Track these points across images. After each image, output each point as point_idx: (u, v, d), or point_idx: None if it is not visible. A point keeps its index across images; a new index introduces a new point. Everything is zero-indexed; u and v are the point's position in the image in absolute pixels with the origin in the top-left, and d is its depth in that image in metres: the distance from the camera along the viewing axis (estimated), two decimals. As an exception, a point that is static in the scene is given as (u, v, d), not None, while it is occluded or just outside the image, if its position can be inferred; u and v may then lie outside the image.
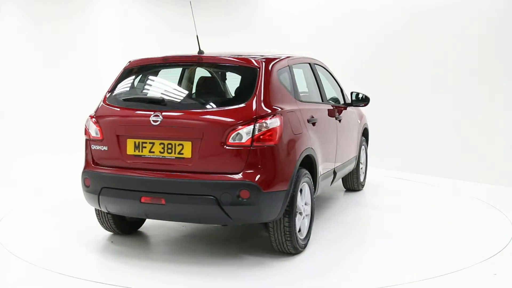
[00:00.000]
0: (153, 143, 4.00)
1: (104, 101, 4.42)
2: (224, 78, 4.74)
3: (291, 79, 4.61)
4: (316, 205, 6.01)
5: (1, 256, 4.35)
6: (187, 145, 3.92)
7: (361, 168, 6.73)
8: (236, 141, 3.84)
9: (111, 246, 4.60)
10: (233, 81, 4.59)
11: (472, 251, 4.50)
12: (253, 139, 3.84)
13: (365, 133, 6.86)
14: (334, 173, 5.36)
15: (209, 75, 4.79)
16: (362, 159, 6.75)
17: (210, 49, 4.81)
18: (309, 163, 4.53)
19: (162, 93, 4.40)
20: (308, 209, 4.49)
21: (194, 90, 4.60)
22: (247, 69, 4.19)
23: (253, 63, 4.19)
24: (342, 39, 9.45)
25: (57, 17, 11.13)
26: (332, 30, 9.59)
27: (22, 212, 5.76)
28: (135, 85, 4.50)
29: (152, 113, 4.01)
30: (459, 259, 4.30)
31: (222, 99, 4.20)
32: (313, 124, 4.65)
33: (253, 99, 3.97)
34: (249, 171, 3.83)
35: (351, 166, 6.21)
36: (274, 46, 9.12)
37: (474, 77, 7.80)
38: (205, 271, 4.01)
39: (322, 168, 4.85)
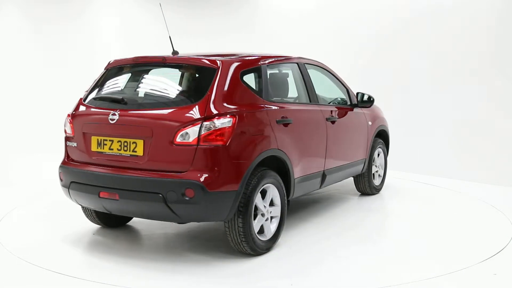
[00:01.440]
0: (112, 141, 4.19)
1: (80, 100, 4.64)
2: (188, 79, 4.73)
3: (261, 80, 4.60)
4: (319, 207, 6.00)
5: (1, 256, 4.35)
6: (140, 143, 4.06)
7: (376, 172, 6.54)
8: (184, 141, 3.91)
9: (114, 246, 4.61)
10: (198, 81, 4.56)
11: (472, 251, 4.50)
12: (199, 138, 3.89)
13: (382, 136, 6.68)
14: (324, 175, 5.28)
15: (178, 75, 4.83)
16: (378, 162, 6.55)
17: (210, 49, 4.81)
18: (282, 165, 4.55)
19: (124, 93, 4.51)
20: (276, 210, 4.46)
21: (155, 90, 4.58)
22: (205, 69, 4.25)
23: (211, 64, 4.24)
24: (342, 39, 9.46)
25: (57, 17, 11.15)
26: (332, 30, 9.60)
27: (22, 212, 5.75)
28: (107, 85, 4.65)
29: (111, 111, 4.17)
30: (459, 259, 4.30)
31: (177, 99, 4.22)
32: (285, 125, 4.61)
33: (205, 99, 4.02)
34: (195, 170, 3.88)
35: (356, 169, 6.05)
36: (274, 46, 9.13)
37: (474, 77, 7.82)
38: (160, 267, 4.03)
39: (299, 170, 4.79)
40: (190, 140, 3.90)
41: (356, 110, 5.97)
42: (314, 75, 5.68)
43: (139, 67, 4.65)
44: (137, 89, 4.54)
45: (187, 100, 4.11)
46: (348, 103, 5.92)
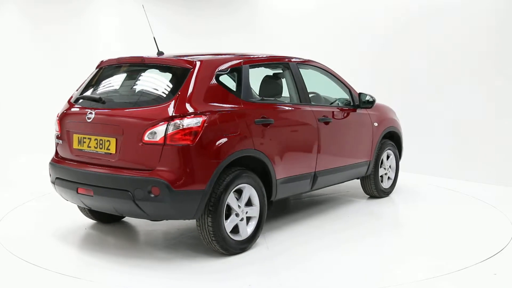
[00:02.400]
0: (90, 139, 4.33)
1: (69, 99, 4.77)
2: (164, 79, 4.69)
3: (240, 80, 4.59)
4: (318, 209, 5.99)
5: (2, 257, 4.35)
6: (113, 141, 4.17)
7: (385, 174, 6.43)
8: (152, 139, 3.98)
9: (115, 244, 4.61)
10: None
11: (472, 251, 4.50)
12: (166, 137, 3.94)
13: (393, 137, 6.55)
14: (315, 176, 5.20)
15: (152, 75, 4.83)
16: (388, 165, 6.42)
17: (206, 50, 4.81)
18: (262, 165, 4.54)
19: (103, 92, 4.60)
20: (253, 211, 4.45)
21: (132, 90, 4.60)
22: (180, 69, 4.31)
23: (187, 64, 4.30)
24: (342, 39, 9.46)
25: (57, 17, 11.13)
26: (332, 30, 9.59)
27: (22, 212, 5.76)
28: (92, 85, 4.75)
29: (88, 110, 4.33)
30: (459, 259, 4.30)
31: (150, 98, 4.27)
32: (265, 125, 4.58)
33: (175, 99, 4.08)
34: (161, 169, 3.96)
35: (358, 171, 5.93)
36: (274, 46, 9.13)
37: (474, 77, 7.81)
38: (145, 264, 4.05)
39: (283, 171, 4.75)
40: (158, 139, 3.96)
41: (359, 111, 5.88)
42: (315, 76, 5.66)
43: (121, 67, 4.73)
44: (116, 89, 4.63)
45: (159, 100, 4.17)
46: (351, 103, 5.86)
